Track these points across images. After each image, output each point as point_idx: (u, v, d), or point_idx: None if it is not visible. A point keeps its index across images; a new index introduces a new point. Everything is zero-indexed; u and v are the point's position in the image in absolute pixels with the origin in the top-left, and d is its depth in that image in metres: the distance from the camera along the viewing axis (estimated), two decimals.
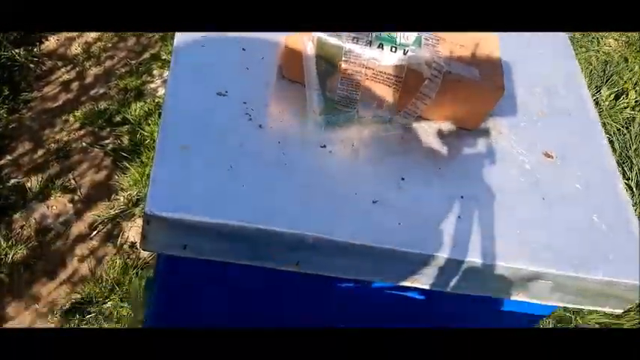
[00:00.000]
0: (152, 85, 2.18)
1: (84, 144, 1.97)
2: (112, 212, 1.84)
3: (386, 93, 0.83)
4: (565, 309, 1.85)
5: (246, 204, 0.71)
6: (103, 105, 2.08)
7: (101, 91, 2.14)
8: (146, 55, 2.28)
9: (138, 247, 1.77)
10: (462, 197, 0.81)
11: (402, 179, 0.81)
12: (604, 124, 2.37)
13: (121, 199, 1.87)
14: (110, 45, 2.28)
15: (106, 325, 1.62)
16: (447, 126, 0.89)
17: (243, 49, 0.88)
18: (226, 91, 0.81)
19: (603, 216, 0.86)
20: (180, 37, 0.84)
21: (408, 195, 0.79)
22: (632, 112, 2.47)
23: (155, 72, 2.22)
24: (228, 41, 0.87)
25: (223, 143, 0.76)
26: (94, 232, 1.80)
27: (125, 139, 2.00)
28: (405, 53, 0.81)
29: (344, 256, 0.75)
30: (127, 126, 2.03)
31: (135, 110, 2.06)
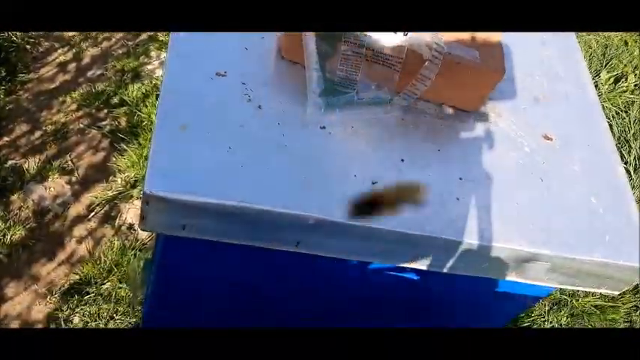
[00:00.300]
0: (149, 67, 2.16)
1: (81, 125, 1.97)
2: (110, 194, 1.84)
3: (386, 74, 0.83)
4: (561, 292, 1.86)
5: (246, 184, 0.71)
6: (100, 86, 2.06)
7: (98, 72, 2.12)
8: (143, 37, 2.26)
9: (136, 228, 1.77)
10: (460, 179, 0.81)
11: (402, 161, 0.81)
12: (603, 108, 2.36)
13: (119, 180, 1.86)
14: None
15: (105, 306, 1.63)
16: (446, 108, 0.89)
17: None
18: (225, 72, 0.80)
19: (601, 198, 0.87)
20: None
21: (407, 176, 0.79)
22: (632, 96, 2.47)
23: (152, 53, 2.21)
24: None
25: (222, 123, 0.75)
26: (92, 214, 1.80)
27: (122, 121, 1.99)
28: (405, 34, 0.80)
29: (344, 237, 0.76)
30: (124, 107, 2.02)
31: (132, 92, 2.05)
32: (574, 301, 1.87)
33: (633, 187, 2.19)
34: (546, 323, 1.83)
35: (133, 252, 1.73)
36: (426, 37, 0.80)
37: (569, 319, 1.86)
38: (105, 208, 1.82)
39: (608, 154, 0.93)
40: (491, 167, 0.84)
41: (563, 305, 1.86)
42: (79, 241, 1.75)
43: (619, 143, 2.29)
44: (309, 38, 0.80)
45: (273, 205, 0.71)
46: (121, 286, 1.66)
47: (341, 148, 0.79)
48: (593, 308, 1.88)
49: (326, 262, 0.79)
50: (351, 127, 0.82)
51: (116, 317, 1.62)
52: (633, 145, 2.27)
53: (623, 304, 1.91)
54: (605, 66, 2.54)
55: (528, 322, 1.81)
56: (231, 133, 0.75)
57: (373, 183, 0.77)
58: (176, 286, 0.92)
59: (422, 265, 0.80)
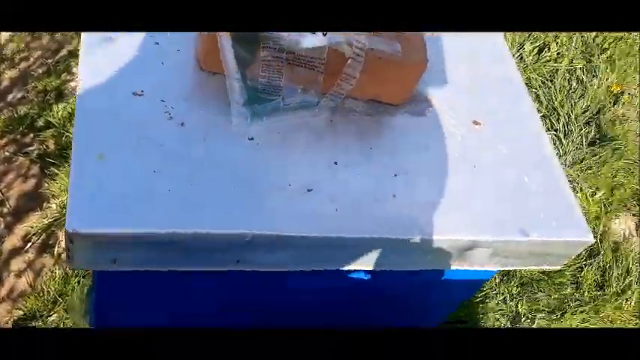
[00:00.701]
0: (73, 84, 2.07)
1: (7, 153, 1.87)
2: (46, 222, 1.75)
3: (310, 77, 0.81)
4: None
5: (175, 209, 0.68)
6: (22, 110, 1.96)
7: (19, 95, 2.02)
8: (63, 53, 2.16)
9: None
10: (395, 175, 0.81)
11: (335, 163, 0.80)
12: (529, 79, 2.43)
13: (53, 206, 1.78)
14: (23, 45, 2.14)
15: None
16: (374, 104, 0.88)
17: (157, 43, 0.83)
18: (142, 91, 0.77)
19: (533, 177, 0.88)
20: (85, 34, 0.79)
21: (341, 179, 0.78)
22: (555, 65, 2.54)
23: (74, 69, 2.11)
24: (139, 35, 0.83)
25: (144, 146, 0.72)
26: (29, 245, 1.71)
27: (51, 144, 1.90)
28: (324, 34, 0.79)
29: (284, 249, 0.74)
30: (50, 130, 1.93)
31: (57, 112, 1.96)
32: (522, 270, 1.92)
33: (565, 153, 2.26)
34: (498, 295, 1.87)
35: (76, 279, 1.66)
36: (345, 34, 0.79)
37: (519, 288, 1.91)
38: (42, 237, 1.74)
39: (535, 133, 0.95)
40: (424, 159, 0.85)
41: (512, 276, 1.91)
42: (18, 275, 1.66)
43: (547, 112, 2.36)
44: (227, 47, 0.77)
45: (207, 226, 0.69)
46: (68, 316, 1.59)
47: (272, 158, 0.77)
48: (540, 275, 1.94)
49: (270, 275, 0.78)
50: (280, 135, 0.80)
51: None
52: (561, 113, 2.35)
53: (568, 266, 1.98)
54: (528, 37, 2.61)
55: (481, 296, 1.85)
56: (155, 155, 0.72)
57: (309, 190, 0.76)
58: (117, 319, 0.88)
59: (365, 266, 0.79)
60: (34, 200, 1.79)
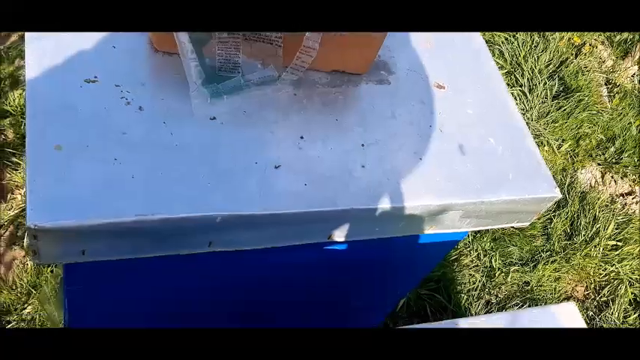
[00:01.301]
0: None
1: None
2: (12, 213, 1.71)
3: (268, 51, 0.79)
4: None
5: (140, 195, 0.67)
6: None
7: None
8: (14, 37, 2.08)
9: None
10: (362, 145, 0.80)
11: (301, 138, 0.79)
12: (492, 36, 2.43)
13: (18, 197, 1.74)
14: None
15: None
16: (337, 74, 0.87)
17: None
18: (95, 77, 0.74)
19: (499, 138, 0.89)
20: None
21: (309, 153, 0.77)
22: None
23: None
24: None
25: (102, 134, 0.70)
26: None
27: (9, 133, 1.84)
28: None
29: (256, 228, 0.73)
30: (8, 118, 1.86)
31: (14, 100, 1.89)
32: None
33: (531, 108, 2.29)
34: (472, 252, 1.91)
35: (49, 269, 1.63)
36: None
37: (492, 243, 1.95)
38: (9, 229, 1.70)
39: (499, 93, 0.95)
40: (391, 127, 0.84)
41: (484, 233, 1.95)
42: None
43: (512, 67, 2.38)
44: None
45: (175, 211, 0.67)
46: (42, 308, 1.57)
47: (236, 137, 0.76)
48: (512, 229, 1.98)
49: (244, 255, 0.77)
50: (243, 113, 0.78)
51: None
52: (525, 68, 2.36)
53: (538, 219, 2.02)
54: None
55: (455, 254, 1.89)
56: (114, 142, 0.70)
57: (276, 167, 0.75)
58: (90, 308, 0.87)
59: (339, 237, 0.79)
60: None
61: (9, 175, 1.76)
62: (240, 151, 0.75)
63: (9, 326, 1.53)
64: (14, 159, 1.77)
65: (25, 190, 1.74)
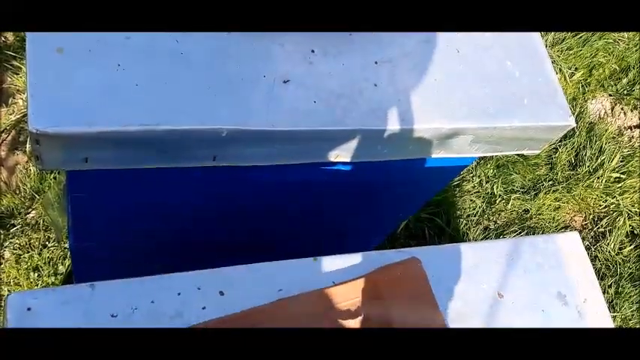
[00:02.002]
0: None
1: None
2: (14, 118, 1.69)
3: None
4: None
5: (144, 104, 0.65)
6: None
7: None
8: None
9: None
10: (376, 63, 0.77)
11: (312, 52, 0.75)
12: None
13: (20, 102, 1.71)
14: None
15: (34, 235, 1.56)
16: None
17: None
18: None
19: (517, 61, 0.85)
20: None
21: (320, 69, 0.75)
22: None
23: None
24: None
25: (105, 39, 0.66)
26: None
27: (9, 36, 1.79)
28: None
29: (262, 144, 0.72)
30: None
31: None
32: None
33: (546, 32, 2.21)
34: (474, 178, 1.91)
35: (52, 175, 1.63)
36: None
37: (495, 170, 1.94)
38: (12, 134, 1.69)
39: None
40: (406, 45, 0.80)
41: (489, 159, 1.94)
42: None
43: None
44: None
45: (180, 122, 0.66)
46: (46, 214, 1.58)
47: (243, 48, 0.72)
48: (516, 157, 1.97)
49: (248, 171, 0.76)
50: None
51: (49, 245, 1.56)
52: None
53: (545, 152, 2.01)
54: None
55: (458, 180, 1.89)
56: (117, 48, 0.67)
57: (285, 82, 0.72)
58: (93, 217, 0.87)
59: (345, 158, 0.78)
60: None
61: (10, 79, 1.72)
62: (248, 63, 0.72)
63: (13, 229, 1.56)
64: (15, 62, 1.73)
65: (26, 95, 1.71)
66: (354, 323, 0.65)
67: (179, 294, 0.63)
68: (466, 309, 0.72)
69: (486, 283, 0.74)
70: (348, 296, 0.66)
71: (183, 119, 0.66)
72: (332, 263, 0.69)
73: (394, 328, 0.64)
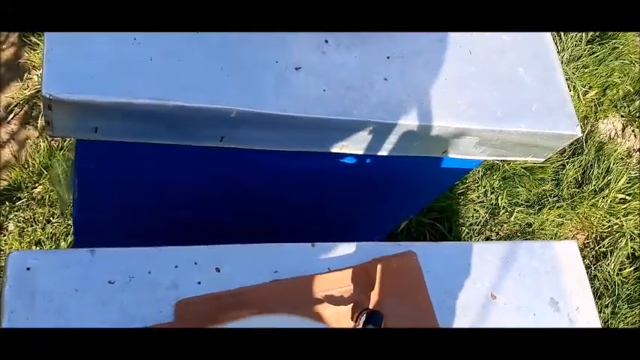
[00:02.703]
0: None
1: None
2: (27, 93, 1.71)
3: None
4: None
5: (157, 79, 0.66)
6: None
7: None
8: None
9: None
10: (388, 57, 0.78)
11: (326, 42, 0.76)
12: None
13: (35, 77, 1.73)
14: None
15: (39, 210, 1.58)
16: None
17: None
18: None
19: (529, 68, 0.86)
20: None
21: (332, 58, 0.75)
22: None
23: None
24: None
25: None
26: (11, 116, 1.68)
27: None
28: None
29: (271, 128, 0.73)
30: None
31: None
32: (505, 164, 1.95)
33: (563, 50, 2.21)
34: (480, 188, 1.91)
35: (61, 152, 1.65)
36: None
37: (501, 182, 1.94)
38: (24, 109, 1.71)
39: None
40: (419, 42, 0.81)
41: (495, 170, 1.94)
42: (2, 146, 1.65)
43: None
44: None
45: (191, 100, 0.67)
46: (53, 188, 1.60)
47: (259, 33, 0.73)
48: (522, 170, 1.97)
49: (254, 154, 0.77)
50: None
51: (53, 220, 1.58)
52: None
53: (550, 163, 2.01)
54: None
55: (463, 188, 1.89)
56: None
57: (297, 68, 0.73)
58: (98, 190, 0.88)
59: (350, 149, 0.79)
60: (14, 70, 1.73)
61: (27, 54, 1.74)
62: (262, 47, 0.73)
63: (19, 202, 1.57)
64: (33, 38, 1.75)
65: (41, 71, 1.73)
66: (344, 310, 0.66)
67: (176, 266, 0.63)
68: (458, 306, 0.72)
69: (481, 283, 0.75)
70: (341, 283, 0.67)
71: (193, 96, 0.67)
72: (330, 250, 0.70)
73: (384, 328, 0.64)
